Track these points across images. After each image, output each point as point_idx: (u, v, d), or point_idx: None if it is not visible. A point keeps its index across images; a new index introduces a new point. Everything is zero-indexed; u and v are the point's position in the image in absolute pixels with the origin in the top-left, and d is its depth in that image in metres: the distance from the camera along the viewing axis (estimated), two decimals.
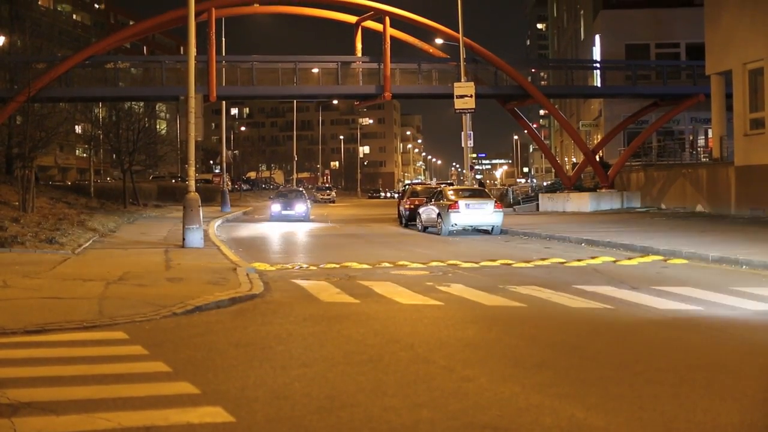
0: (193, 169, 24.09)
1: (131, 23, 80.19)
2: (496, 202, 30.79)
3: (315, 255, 22.18)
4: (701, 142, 49.75)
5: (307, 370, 8.60)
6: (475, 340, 10.40)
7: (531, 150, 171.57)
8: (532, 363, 8.86)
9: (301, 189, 54.54)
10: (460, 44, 40.09)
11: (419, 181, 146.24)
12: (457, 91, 38.08)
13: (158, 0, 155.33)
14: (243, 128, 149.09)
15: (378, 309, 12.74)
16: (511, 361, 9.00)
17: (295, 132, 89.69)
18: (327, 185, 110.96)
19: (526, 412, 6.96)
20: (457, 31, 40.39)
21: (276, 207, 41.41)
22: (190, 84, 23.14)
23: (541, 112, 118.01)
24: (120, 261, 19.15)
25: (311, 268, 18.82)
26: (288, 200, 42.45)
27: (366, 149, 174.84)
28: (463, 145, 41.26)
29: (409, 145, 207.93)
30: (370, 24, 46.24)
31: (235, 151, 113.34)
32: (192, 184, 23.57)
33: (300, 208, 41.29)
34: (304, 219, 40.52)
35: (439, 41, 47.71)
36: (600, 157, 49.43)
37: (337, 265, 19.17)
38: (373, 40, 46.76)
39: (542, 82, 50.32)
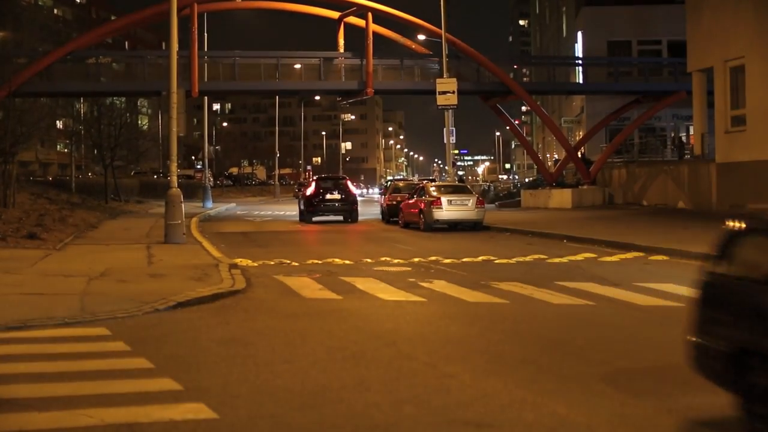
0: (175, 164, 24.03)
1: (113, 18, 79.61)
2: (478, 198, 30.86)
3: (297, 251, 22.16)
4: (683, 138, 49.87)
5: (290, 366, 8.60)
6: (458, 336, 10.42)
7: (513, 146, 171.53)
8: (515, 359, 8.89)
9: None
10: (443, 40, 40.07)
11: (401, 177, 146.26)
12: (439, 87, 38.05)
13: None
14: (225, 124, 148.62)
15: (360, 305, 12.75)
16: (493, 357, 9.02)
17: (277, 128, 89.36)
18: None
19: (508, 408, 6.99)
20: (440, 27, 40.38)
21: None
22: (172, 79, 23.06)
23: (524, 108, 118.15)
24: (102, 257, 19.07)
25: (293, 264, 18.79)
26: None
27: (348, 145, 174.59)
28: (445, 141, 41.22)
29: (391, 141, 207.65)
30: (352, 20, 46.15)
31: (217, 147, 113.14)
32: (174, 179, 23.52)
33: None
34: None
35: (421, 37, 47.64)
36: (582, 154, 49.52)
37: (320, 262, 19.15)
38: (356, 36, 46.70)
39: (524, 79, 50.23)
